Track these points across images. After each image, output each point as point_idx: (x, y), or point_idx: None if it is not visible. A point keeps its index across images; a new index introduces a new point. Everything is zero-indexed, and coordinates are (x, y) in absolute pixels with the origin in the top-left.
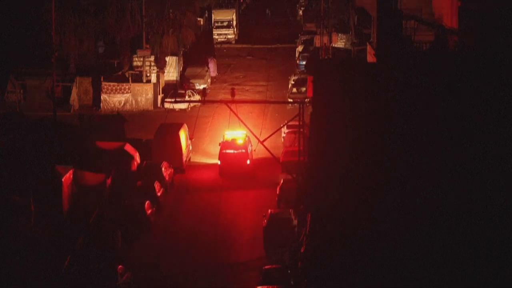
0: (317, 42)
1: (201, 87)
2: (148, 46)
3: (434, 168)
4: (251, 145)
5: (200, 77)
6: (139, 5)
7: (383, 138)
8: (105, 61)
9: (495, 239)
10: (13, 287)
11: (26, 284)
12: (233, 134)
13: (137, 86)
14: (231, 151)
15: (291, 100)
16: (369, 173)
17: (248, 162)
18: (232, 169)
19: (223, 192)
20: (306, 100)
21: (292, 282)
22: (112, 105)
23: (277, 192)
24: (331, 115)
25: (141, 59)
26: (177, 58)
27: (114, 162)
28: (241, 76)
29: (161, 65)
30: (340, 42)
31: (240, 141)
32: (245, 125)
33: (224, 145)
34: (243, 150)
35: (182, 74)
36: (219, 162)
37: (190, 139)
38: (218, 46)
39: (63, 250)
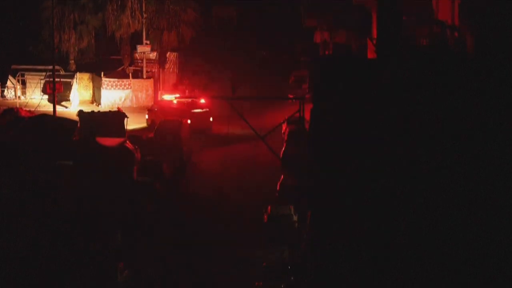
0: (317, 37)
1: None
2: (148, 42)
3: (436, 167)
4: None
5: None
6: (139, 1)
7: (384, 134)
8: (105, 57)
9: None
10: (14, 286)
11: (26, 283)
12: (171, 96)
13: (137, 82)
14: (198, 110)
15: (292, 96)
16: (370, 170)
17: (211, 119)
18: (199, 125)
19: (223, 184)
20: (306, 96)
21: (292, 279)
22: (113, 101)
23: (277, 189)
24: (331, 111)
25: (141, 55)
26: (177, 54)
27: (115, 159)
28: (241, 72)
29: (161, 61)
30: (340, 38)
31: (203, 101)
32: (245, 121)
33: (190, 105)
34: (207, 109)
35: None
36: (189, 121)
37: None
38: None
39: (63, 248)
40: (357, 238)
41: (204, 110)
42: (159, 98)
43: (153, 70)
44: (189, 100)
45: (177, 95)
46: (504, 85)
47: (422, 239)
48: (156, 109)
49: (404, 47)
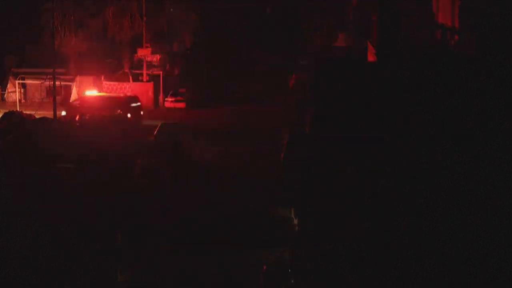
0: (317, 40)
1: None
2: (148, 45)
3: (436, 167)
4: None
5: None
6: (140, 4)
7: (384, 134)
8: (106, 60)
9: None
10: (14, 286)
11: (26, 283)
12: (92, 92)
13: (137, 85)
14: (134, 104)
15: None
16: (370, 170)
17: (142, 112)
18: (135, 118)
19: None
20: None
21: (292, 281)
22: None
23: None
24: (331, 111)
25: (142, 58)
26: (177, 57)
27: (116, 161)
28: (242, 75)
29: (162, 64)
30: (340, 41)
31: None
32: (245, 123)
33: (129, 100)
34: (139, 103)
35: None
36: (129, 115)
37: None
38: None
39: (63, 248)
40: (357, 238)
41: (137, 104)
42: (82, 94)
43: (153, 73)
44: (117, 95)
45: (96, 92)
46: (504, 85)
47: (422, 239)
48: (77, 105)
49: (404, 48)
